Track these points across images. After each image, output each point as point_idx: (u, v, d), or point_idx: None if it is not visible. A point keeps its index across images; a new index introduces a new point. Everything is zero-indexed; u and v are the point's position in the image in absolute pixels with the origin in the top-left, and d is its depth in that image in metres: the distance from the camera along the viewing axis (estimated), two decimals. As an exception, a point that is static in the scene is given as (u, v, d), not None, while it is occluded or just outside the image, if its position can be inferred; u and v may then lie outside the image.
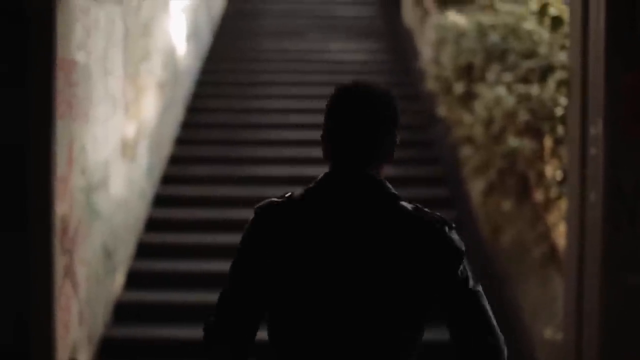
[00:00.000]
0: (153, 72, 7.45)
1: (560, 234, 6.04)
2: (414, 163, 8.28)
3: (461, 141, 7.61)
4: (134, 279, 6.48)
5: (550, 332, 5.39)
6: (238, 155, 8.51)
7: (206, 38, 10.98)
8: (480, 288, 2.06)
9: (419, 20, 10.35)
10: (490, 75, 6.85)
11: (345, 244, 1.99)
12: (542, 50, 6.31)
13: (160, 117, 7.71)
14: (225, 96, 9.83)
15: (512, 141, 6.11)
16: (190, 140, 8.78)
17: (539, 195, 6.38)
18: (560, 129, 5.89)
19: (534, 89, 6.03)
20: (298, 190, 2.10)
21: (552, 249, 5.89)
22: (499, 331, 2.03)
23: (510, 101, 6.17)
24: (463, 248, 2.03)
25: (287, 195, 2.10)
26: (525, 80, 6.33)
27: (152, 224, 7.19)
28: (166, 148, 8.20)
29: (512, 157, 6.29)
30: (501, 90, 6.34)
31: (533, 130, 6.15)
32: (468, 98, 7.43)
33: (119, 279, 6.30)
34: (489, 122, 6.66)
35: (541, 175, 6.25)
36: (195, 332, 6.03)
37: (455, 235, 2.04)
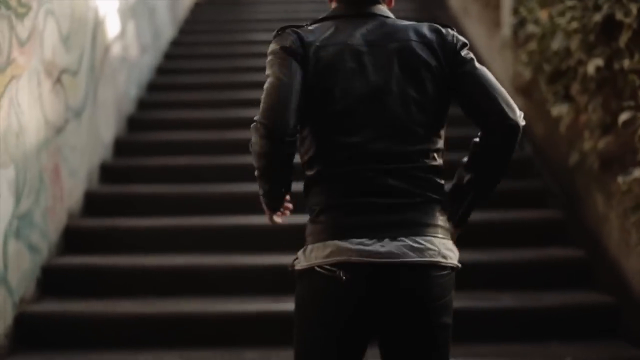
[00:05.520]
0: (37, 49, 4.30)
1: None
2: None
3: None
4: None
5: None
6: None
7: (167, 31, 7.87)
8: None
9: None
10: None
11: (369, 45, 2.21)
12: None
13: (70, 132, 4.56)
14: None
15: None
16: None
17: None
18: None
19: None
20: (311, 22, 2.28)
21: None
22: (512, 103, 2.18)
23: None
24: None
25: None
26: None
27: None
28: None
29: None
30: None
31: None
32: None
33: None
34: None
35: None
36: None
37: (454, 31, 2.28)
